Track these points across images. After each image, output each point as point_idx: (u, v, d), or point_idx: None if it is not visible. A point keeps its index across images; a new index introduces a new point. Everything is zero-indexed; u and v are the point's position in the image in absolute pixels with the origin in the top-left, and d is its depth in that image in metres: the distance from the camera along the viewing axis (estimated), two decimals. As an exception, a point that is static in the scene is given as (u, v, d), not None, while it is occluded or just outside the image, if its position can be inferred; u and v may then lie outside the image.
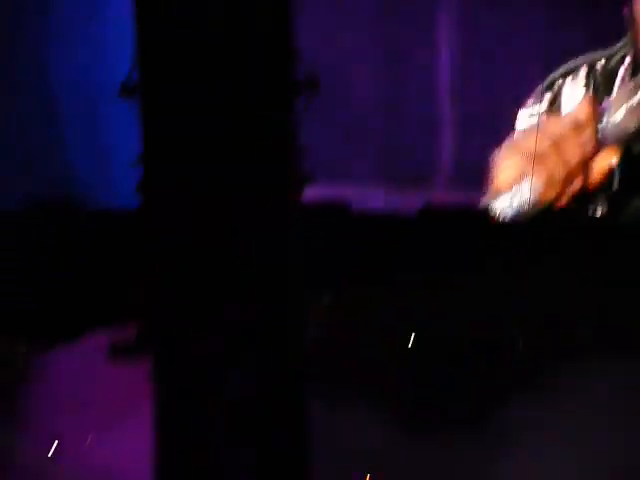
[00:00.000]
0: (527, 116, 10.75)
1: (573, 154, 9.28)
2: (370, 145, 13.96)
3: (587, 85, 10.64)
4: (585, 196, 11.41)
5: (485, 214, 13.49)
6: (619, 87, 10.40)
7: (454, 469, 13.87)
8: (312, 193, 10.84)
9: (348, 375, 14.43)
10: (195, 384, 9.83)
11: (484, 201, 13.49)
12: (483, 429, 14.43)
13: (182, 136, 9.28)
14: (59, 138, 11.55)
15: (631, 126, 9.14)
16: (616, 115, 9.21)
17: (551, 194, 10.31)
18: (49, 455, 14.28)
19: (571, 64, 10.18)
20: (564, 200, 10.69)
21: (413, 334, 13.94)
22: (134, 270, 9.75)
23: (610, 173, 9.58)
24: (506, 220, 13.36)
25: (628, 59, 9.71)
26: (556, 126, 9.21)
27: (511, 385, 13.89)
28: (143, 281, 9.77)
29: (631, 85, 9.41)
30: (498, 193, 12.65)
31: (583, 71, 10.03)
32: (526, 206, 12.98)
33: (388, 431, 14.49)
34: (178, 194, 9.50)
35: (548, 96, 10.31)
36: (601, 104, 9.17)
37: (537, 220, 12.49)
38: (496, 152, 12.68)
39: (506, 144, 11.65)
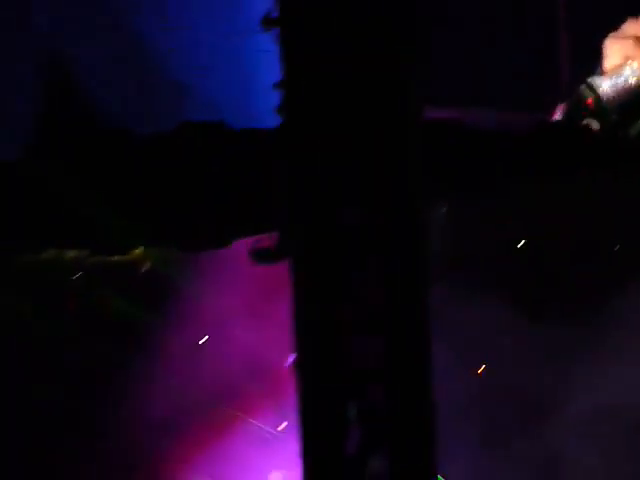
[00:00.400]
0: None
1: None
2: (488, 71, 13.99)
3: None
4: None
5: (590, 130, 13.54)
6: None
7: (568, 349, 14.31)
8: (433, 114, 10.98)
9: (468, 272, 14.66)
10: (326, 283, 10.03)
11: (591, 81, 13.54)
12: (587, 317, 14.68)
13: (318, 63, 9.45)
14: (209, 67, 11.72)
15: None
16: None
17: None
18: (199, 342, 14.69)
19: None
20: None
21: (523, 240, 14.07)
22: (276, 183, 9.98)
23: None
24: (609, 100, 13.50)
25: None
26: None
27: (609, 280, 14.06)
28: (284, 194, 9.99)
29: None
30: (604, 76, 12.79)
31: None
32: (629, 87, 13.14)
33: (507, 318, 14.83)
34: (314, 115, 9.67)
35: None
36: None
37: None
38: (606, 40, 12.76)
39: (612, 34, 11.80)
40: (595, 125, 13.55)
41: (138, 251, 24.12)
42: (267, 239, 10.96)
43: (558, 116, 14.23)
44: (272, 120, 10.09)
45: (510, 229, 18.82)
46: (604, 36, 13.91)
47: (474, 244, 19.57)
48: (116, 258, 24.15)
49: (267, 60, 10.25)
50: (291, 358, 10.28)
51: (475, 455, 22.89)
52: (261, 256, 11.00)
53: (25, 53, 11.88)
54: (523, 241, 20.72)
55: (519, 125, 12.04)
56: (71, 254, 24.66)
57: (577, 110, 14.15)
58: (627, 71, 13.45)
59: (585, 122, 13.67)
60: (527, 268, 20.35)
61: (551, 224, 17.13)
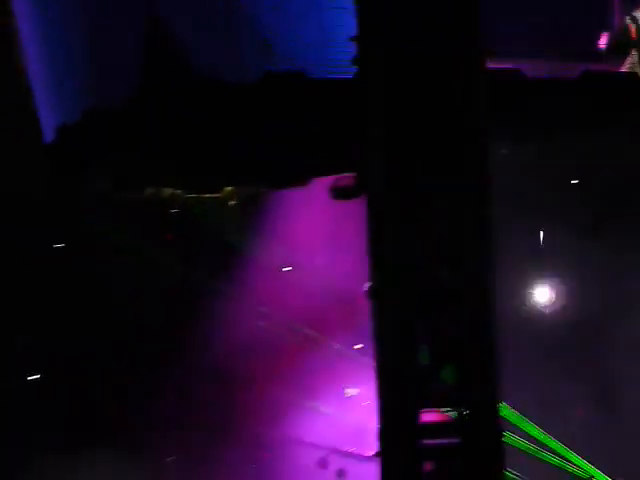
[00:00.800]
0: None
1: None
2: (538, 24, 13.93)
3: None
4: None
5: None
6: None
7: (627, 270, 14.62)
8: (493, 65, 10.95)
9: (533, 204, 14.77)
10: (399, 218, 10.09)
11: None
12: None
13: (392, 17, 9.50)
14: (292, 23, 11.73)
15: None
16: None
17: None
18: (284, 269, 14.91)
19: None
20: None
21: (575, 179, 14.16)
22: (352, 128, 10.04)
23: None
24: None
25: None
26: None
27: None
28: (359, 138, 10.06)
29: None
30: None
31: None
32: None
33: (570, 242, 15.03)
34: (388, 65, 9.70)
35: None
36: None
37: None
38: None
39: None
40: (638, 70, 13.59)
41: (228, 189, 24.30)
42: (345, 178, 11.03)
43: (603, 45, 14.24)
44: (348, 70, 10.19)
45: (563, 169, 18.80)
46: None
47: (534, 181, 19.55)
48: (207, 195, 24.35)
49: (344, 16, 10.32)
50: (366, 286, 10.39)
51: (538, 383, 22.81)
52: (340, 193, 11.08)
53: (132, 17, 11.97)
54: (576, 180, 20.75)
55: (569, 74, 12.04)
56: (168, 191, 24.90)
57: (622, 38, 14.21)
58: None
59: (630, 67, 13.72)
60: (583, 201, 20.35)
61: (599, 165, 17.12)
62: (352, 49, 9.98)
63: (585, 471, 22.92)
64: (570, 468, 22.90)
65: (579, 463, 22.82)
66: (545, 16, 13.12)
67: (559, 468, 23.38)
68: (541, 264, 20.83)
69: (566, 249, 20.57)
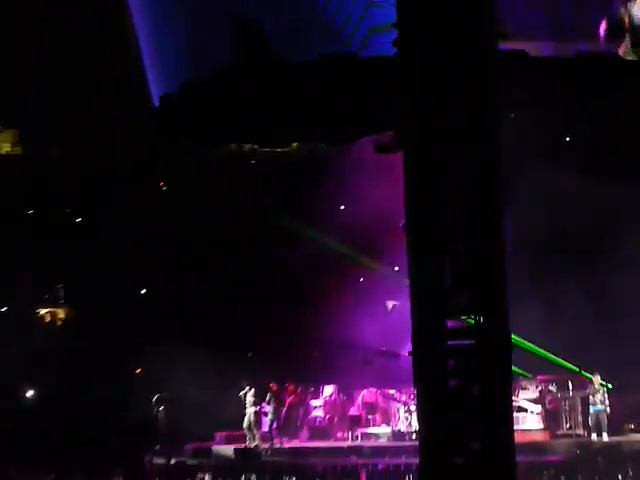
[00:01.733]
0: None
1: None
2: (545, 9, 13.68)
3: None
4: None
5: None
6: None
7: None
8: (504, 46, 10.71)
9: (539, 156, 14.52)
10: (430, 168, 10.01)
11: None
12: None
13: (423, 8, 9.40)
14: (346, 11, 11.68)
15: None
16: None
17: None
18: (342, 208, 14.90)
19: None
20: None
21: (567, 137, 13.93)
22: (392, 97, 9.97)
23: None
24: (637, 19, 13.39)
25: None
26: None
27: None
28: (398, 104, 9.99)
29: None
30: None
31: None
32: None
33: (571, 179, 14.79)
34: (421, 46, 9.61)
35: None
36: None
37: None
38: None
39: None
40: (630, 56, 13.44)
41: (295, 145, 24.48)
42: (386, 136, 11.09)
43: (602, 31, 14.13)
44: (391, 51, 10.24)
45: (561, 129, 18.67)
46: None
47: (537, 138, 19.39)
48: (279, 150, 24.54)
49: (388, 9, 10.30)
50: (402, 222, 10.45)
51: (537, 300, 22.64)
52: (382, 148, 11.14)
53: (227, 5, 11.96)
54: (567, 138, 20.63)
55: (567, 54, 11.95)
56: (248, 147, 25.08)
57: (616, 25, 14.10)
58: None
59: (623, 52, 13.58)
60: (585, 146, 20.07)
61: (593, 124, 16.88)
62: (394, 34, 10.04)
63: (576, 366, 22.98)
64: (564, 363, 22.94)
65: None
66: (551, 2, 12.95)
67: (555, 364, 23.41)
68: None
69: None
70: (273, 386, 24.46)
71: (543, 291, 22.83)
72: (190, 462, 21.80)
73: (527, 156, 19.58)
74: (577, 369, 22.49)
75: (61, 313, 28.70)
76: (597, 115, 13.93)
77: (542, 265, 23.67)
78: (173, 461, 22.32)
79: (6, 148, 28.06)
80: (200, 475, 19.75)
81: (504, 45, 10.06)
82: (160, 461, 22.71)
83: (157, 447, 23.37)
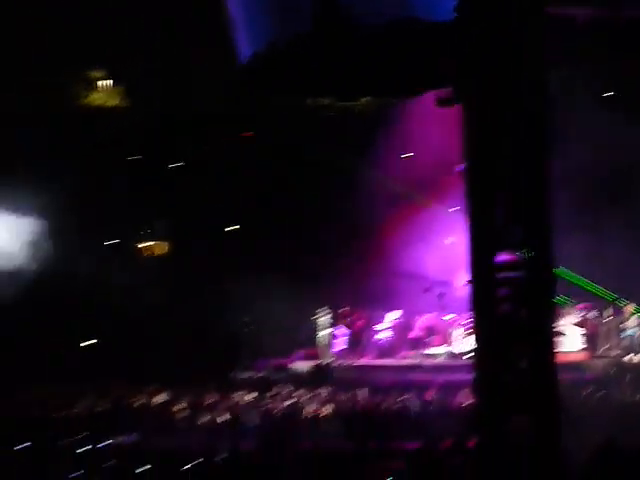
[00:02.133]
0: None
1: None
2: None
3: None
4: None
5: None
6: None
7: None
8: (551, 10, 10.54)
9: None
10: (486, 119, 10.01)
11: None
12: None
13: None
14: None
15: None
16: None
17: None
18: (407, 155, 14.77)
19: None
20: None
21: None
22: (453, 56, 9.95)
23: None
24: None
25: None
26: None
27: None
28: (458, 63, 9.97)
29: None
30: None
31: None
32: None
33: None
34: (477, 11, 9.59)
35: None
36: None
37: None
38: None
39: None
40: None
41: (365, 99, 24.41)
42: (446, 91, 11.10)
43: None
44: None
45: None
46: None
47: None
48: (351, 103, 24.50)
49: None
50: (460, 166, 10.50)
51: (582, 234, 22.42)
52: (442, 101, 11.17)
53: None
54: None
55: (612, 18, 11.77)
56: (325, 101, 25.07)
57: None
58: None
59: None
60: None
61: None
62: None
63: (613, 296, 22.95)
64: (602, 292, 22.91)
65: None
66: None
67: (594, 293, 23.37)
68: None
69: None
70: (344, 311, 24.72)
71: (588, 224, 22.65)
72: (273, 377, 22.16)
73: (576, 105, 19.35)
74: (614, 297, 22.44)
75: (158, 247, 29.09)
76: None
77: (588, 200, 23.44)
78: (258, 375, 22.68)
79: (115, 102, 28.31)
80: (280, 388, 20.09)
81: (554, 9, 10.04)
82: (246, 376, 23.12)
83: (243, 363, 23.81)
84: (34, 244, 25.23)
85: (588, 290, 22.99)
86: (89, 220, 25.04)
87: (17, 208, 24.65)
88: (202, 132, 26.44)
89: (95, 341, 25.37)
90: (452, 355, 23.63)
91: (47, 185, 23.09)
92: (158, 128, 26.41)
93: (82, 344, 25.71)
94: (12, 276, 24.43)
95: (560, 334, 21.38)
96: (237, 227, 26.88)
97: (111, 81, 27.84)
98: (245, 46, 12.34)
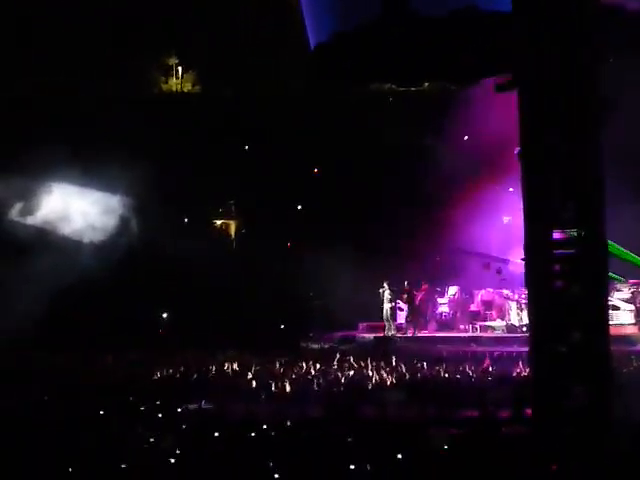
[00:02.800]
0: None
1: None
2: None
3: None
4: None
5: None
6: None
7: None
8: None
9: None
10: (546, 108, 9.82)
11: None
12: None
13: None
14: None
15: None
16: None
17: None
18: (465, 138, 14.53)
19: None
20: None
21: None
22: (510, 44, 9.79)
23: None
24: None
25: None
26: None
27: None
28: (515, 50, 9.81)
29: None
30: None
31: None
32: None
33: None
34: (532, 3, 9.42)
35: None
36: None
37: None
38: None
39: None
40: None
41: (427, 84, 24.31)
42: (505, 78, 11.02)
43: None
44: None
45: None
46: None
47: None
48: (413, 89, 24.42)
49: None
50: (517, 149, 10.42)
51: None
52: (501, 87, 11.09)
53: None
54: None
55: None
56: (387, 85, 25.02)
57: None
58: None
59: None
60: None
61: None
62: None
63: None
64: None
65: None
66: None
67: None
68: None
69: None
70: (407, 285, 24.72)
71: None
72: (340, 347, 22.25)
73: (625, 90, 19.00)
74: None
75: (232, 224, 29.39)
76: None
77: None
78: (326, 346, 22.80)
79: (188, 87, 28.57)
80: (347, 357, 20.17)
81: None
82: (315, 346, 23.27)
83: (311, 334, 23.95)
84: (121, 219, 25.65)
85: (638, 265, 22.69)
86: (170, 198, 25.35)
87: (106, 186, 25.10)
88: (275, 119, 26.61)
89: (172, 312, 25.82)
90: (508, 328, 23.57)
91: (133, 165, 23.40)
92: (231, 114, 26.64)
93: (162, 314, 26.19)
94: (100, 249, 24.89)
95: (612, 309, 21.16)
96: (302, 207, 27.04)
97: (184, 68, 28.12)
98: (314, 34, 12.35)
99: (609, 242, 9.61)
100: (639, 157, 22.58)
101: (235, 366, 18.79)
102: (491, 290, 24.83)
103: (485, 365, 18.61)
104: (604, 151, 9.79)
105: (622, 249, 21.20)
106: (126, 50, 25.80)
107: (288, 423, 11.76)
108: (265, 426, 11.27)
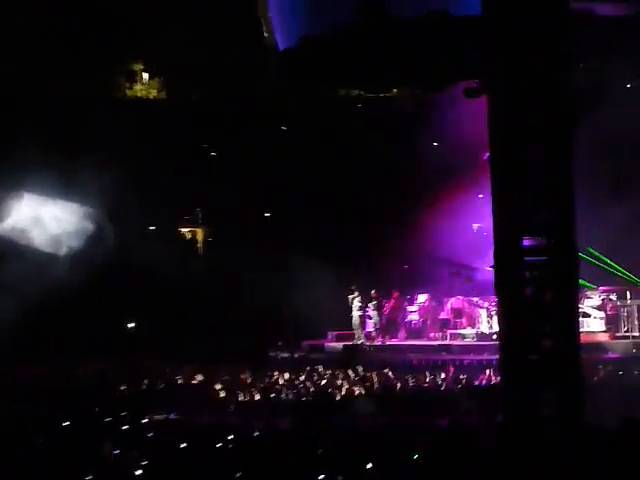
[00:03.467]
0: None
1: None
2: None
3: None
4: None
5: None
6: None
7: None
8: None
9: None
10: (509, 107, 9.87)
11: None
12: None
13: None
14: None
15: None
16: None
17: None
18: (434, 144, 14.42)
19: None
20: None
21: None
22: (480, 49, 9.77)
23: None
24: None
25: None
26: None
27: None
28: (484, 55, 9.76)
29: None
30: None
31: None
32: None
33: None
34: (501, 8, 9.39)
35: None
36: None
37: None
38: None
39: None
40: None
41: (395, 90, 24.34)
42: (473, 83, 11.06)
43: None
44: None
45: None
46: None
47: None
48: (382, 95, 24.43)
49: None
50: (486, 155, 10.45)
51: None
52: (470, 92, 11.12)
53: None
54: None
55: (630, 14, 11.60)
56: (355, 92, 25.06)
57: None
58: None
59: None
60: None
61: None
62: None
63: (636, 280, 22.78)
64: (626, 275, 22.72)
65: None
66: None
67: (617, 276, 23.19)
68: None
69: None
70: (375, 293, 24.71)
71: (624, 198, 22.27)
72: (309, 357, 22.22)
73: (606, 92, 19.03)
74: (636, 281, 22.27)
75: (200, 232, 29.30)
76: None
77: (626, 172, 23.08)
78: (295, 355, 22.72)
79: (154, 94, 28.45)
80: (316, 367, 20.15)
81: (575, 5, 9.95)
82: (284, 355, 23.18)
83: (280, 343, 23.86)
84: (81, 227, 25.40)
85: (610, 273, 22.80)
86: (134, 205, 25.16)
87: (65, 192, 24.85)
88: (242, 123, 26.54)
89: (139, 322, 25.62)
90: (479, 336, 23.64)
91: (96, 171, 23.18)
92: (198, 119, 26.55)
93: (128, 324, 25.97)
94: (56, 258, 24.63)
95: (583, 316, 21.27)
96: (270, 214, 27.00)
97: (149, 74, 27.96)
98: (282, 36, 12.30)
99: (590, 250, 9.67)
100: (620, 156, 22.62)
101: (203, 376, 18.70)
102: (461, 298, 24.90)
103: (455, 373, 18.68)
104: (578, 152, 9.82)
105: (596, 253, 21.30)
106: (91, 53, 25.69)
107: (256, 433, 11.73)
108: (232, 436, 11.23)
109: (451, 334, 24.29)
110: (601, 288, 23.02)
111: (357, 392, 17.15)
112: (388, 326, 25.17)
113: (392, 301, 25.39)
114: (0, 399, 15.07)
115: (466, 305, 24.83)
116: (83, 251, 24.02)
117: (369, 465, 9.42)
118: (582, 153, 10.05)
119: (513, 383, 10.09)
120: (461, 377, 18.26)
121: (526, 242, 10.14)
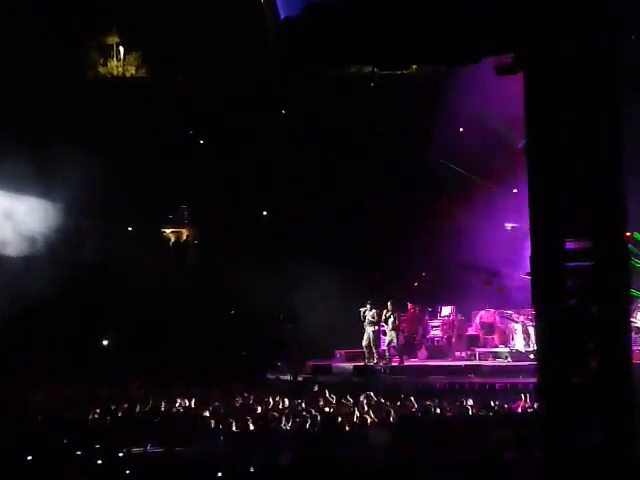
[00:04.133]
0: None
1: None
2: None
3: None
4: None
5: None
6: None
7: None
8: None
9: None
10: (550, 87, 9.87)
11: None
12: None
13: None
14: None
15: None
16: None
17: None
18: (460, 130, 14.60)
19: None
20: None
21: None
22: (516, 21, 9.82)
23: None
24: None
25: None
26: None
27: None
28: (521, 29, 9.78)
29: None
30: None
31: None
32: None
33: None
34: None
35: None
36: None
37: None
38: None
39: None
40: None
41: (413, 67, 24.41)
42: (507, 58, 11.05)
43: None
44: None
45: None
46: None
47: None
48: (398, 73, 24.51)
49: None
50: (521, 143, 10.44)
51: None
52: (503, 69, 11.12)
53: None
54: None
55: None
56: (368, 69, 25.13)
57: None
58: None
59: None
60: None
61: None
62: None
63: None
64: None
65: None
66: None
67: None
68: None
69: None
70: (391, 306, 24.66)
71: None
72: (313, 379, 22.22)
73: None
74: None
75: (185, 233, 29.30)
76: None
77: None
78: (298, 378, 22.70)
79: (131, 71, 28.48)
80: (322, 391, 20.17)
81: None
82: (284, 377, 23.15)
83: (280, 364, 23.86)
84: (62, 230, 25.49)
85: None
86: (111, 202, 25.20)
87: (34, 187, 24.94)
88: (233, 108, 26.58)
89: (114, 337, 25.64)
90: (513, 355, 23.64)
91: (68, 163, 23.25)
92: (184, 102, 26.54)
93: (102, 340, 25.99)
94: (26, 262, 24.72)
95: (636, 332, 21.25)
96: (267, 214, 27.04)
97: (126, 49, 27.96)
98: (283, 7, 12.30)
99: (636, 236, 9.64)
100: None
101: (189, 401, 18.76)
102: (492, 310, 24.92)
103: (486, 399, 18.69)
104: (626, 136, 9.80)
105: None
106: (59, 28, 25.75)
107: (251, 469, 11.75)
108: (221, 473, 11.26)
109: (480, 353, 24.37)
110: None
111: (370, 421, 17.17)
112: (406, 344, 25.29)
113: (409, 315, 25.43)
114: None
115: (498, 319, 24.86)
116: (47, 257, 24.13)
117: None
118: (631, 136, 10.03)
119: (553, 410, 10.10)
120: (492, 404, 18.28)
121: (569, 245, 10.15)
